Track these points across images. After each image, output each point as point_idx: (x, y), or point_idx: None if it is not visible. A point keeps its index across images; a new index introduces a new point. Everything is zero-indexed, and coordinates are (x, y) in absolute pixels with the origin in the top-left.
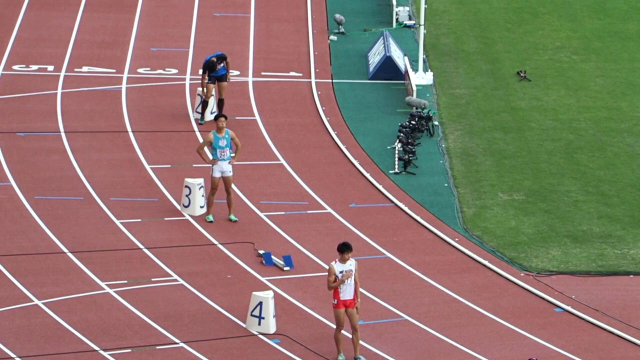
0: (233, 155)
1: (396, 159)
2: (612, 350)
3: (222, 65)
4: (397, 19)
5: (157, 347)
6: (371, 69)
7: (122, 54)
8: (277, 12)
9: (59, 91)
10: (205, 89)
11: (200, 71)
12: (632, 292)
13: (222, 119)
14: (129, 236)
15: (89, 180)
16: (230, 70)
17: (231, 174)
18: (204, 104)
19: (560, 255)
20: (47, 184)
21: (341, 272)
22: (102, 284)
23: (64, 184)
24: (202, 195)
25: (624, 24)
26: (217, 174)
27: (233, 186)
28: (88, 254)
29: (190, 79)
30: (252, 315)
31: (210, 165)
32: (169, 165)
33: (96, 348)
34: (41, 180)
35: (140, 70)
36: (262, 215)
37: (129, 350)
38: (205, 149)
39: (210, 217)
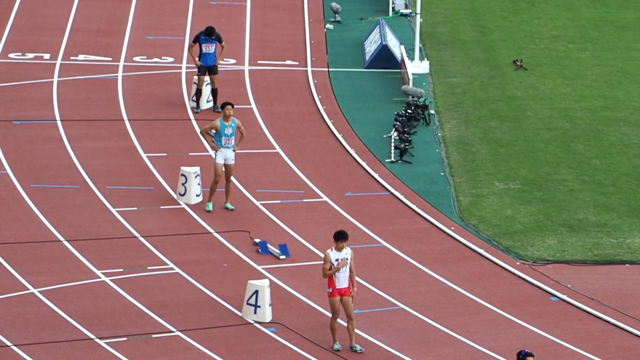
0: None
1: (392, 147)
2: (608, 339)
3: (213, 48)
4: (393, 8)
5: (153, 336)
6: (367, 57)
7: (118, 42)
8: (273, 1)
9: (55, 79)
10: (197, 77)
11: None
12: (628, 281)
13: (229, 106)
14: (125, 224)
15: (85, 168)
16: (226, 59)
17: (233, 162)
18: (199, 93)
19: (556, 244)
20: (43, 172)
21: (337, 260)
22: (98, 273)
23: (60, 172)
24: (199, 184)
25: (620, 13)
26: (220, 160)
27: None
28: (84, 242)
29: (187, 68)
30: (248, 303)
31: (213, 151)
32: (165, 154)
33: (92, 336)
34: (37, 168)
35: (136, 58)
36: (258, 203)
37: (125, 339)
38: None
39: (210, 206)
